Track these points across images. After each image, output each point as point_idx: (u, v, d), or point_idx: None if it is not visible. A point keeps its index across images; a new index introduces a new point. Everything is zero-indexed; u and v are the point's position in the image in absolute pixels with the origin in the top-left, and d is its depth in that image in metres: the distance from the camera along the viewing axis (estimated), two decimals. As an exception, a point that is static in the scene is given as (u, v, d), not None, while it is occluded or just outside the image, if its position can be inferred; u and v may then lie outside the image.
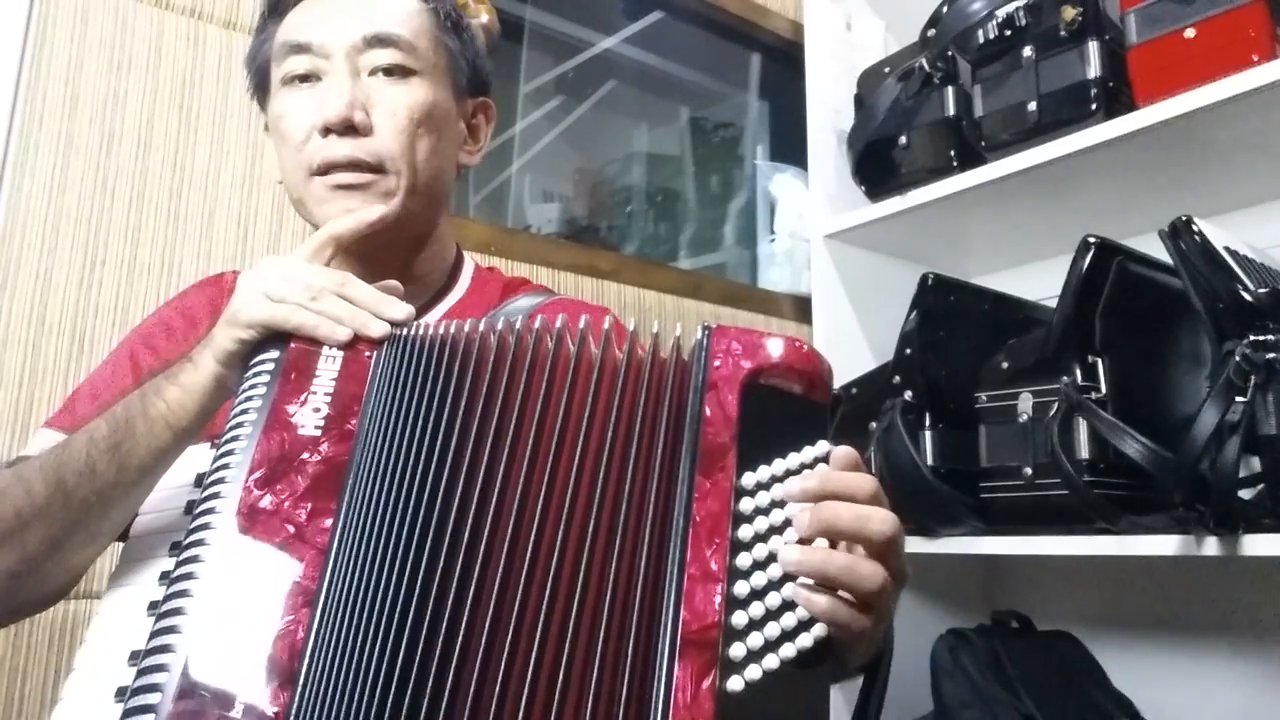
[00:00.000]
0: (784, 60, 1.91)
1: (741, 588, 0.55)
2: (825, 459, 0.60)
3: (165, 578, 0.65)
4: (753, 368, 0.60)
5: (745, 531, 0.57)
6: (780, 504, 0.59)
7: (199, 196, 1.20)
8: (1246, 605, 1.37)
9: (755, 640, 0.54)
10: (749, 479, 0.58)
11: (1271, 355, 0.99)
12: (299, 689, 0.54)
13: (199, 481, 0.70)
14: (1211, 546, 1.04)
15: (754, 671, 0.54)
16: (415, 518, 0.59)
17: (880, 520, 0.58)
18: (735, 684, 0.53)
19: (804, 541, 0.58)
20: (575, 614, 0.56)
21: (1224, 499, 0.99)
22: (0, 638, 1.01)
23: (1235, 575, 1.37)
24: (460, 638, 0.56)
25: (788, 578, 0.56)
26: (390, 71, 0.85)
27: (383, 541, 0.59)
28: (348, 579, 0.58)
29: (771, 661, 0.54)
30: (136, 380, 0.85)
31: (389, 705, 0.55)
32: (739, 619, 0.54)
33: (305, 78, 0.85)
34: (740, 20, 1.85)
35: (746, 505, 0.58)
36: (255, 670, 0.54)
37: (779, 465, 0.59)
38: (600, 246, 1.72)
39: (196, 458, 0.71)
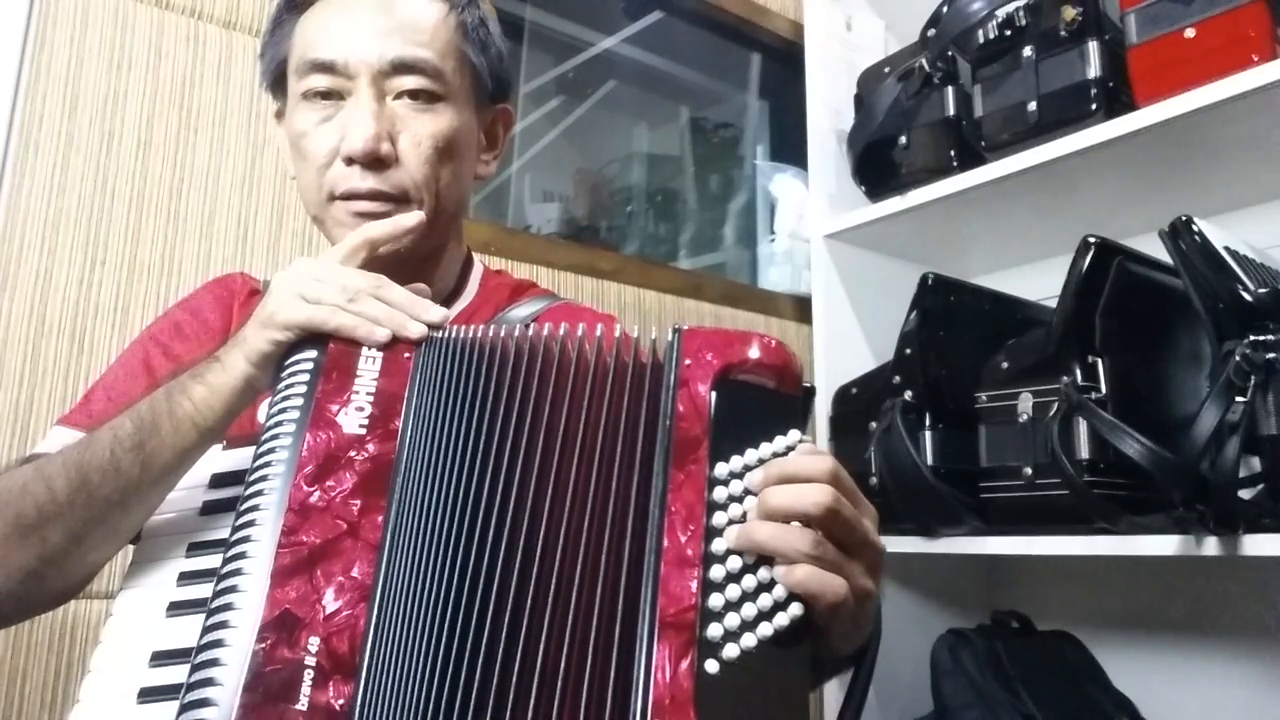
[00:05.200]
0: (784, 60, 1.91)
1: (717, 572, 0.58)
2: (795, 448, 0.62)
3: (186, 578, 0.67)
4: (722, 365, 0.63)
5: (719, 518, 0.59)
6: (754, 493, 0.61)
7: (199, 196, 1.20)
8: (1247, 605, 1.37)
9: (732, 621, 0.56)
10: (722, 469, 0.61)
11: (1271, 355, 0.99)
12: (361, 681, 0.56)
13: (215, 482, 0.71)
14: (1211, 546, 1.04)
15: (731, 651, 0.56)
16: (462, 515, 0.61)
17: (814, 493, 0.59)
18: (713, 665, 0.55)
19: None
20: (574, 605, 0.59)
21: (1224, 499, 0.99)
22: (0, 638, 1.02)
23: (1235, 575, 1.37)
24: (506, 630, 0.58)
25: (762, 560, 0.59)
26: (416, 96, 0.84)
27: (433, 538, 0.60)
28: (402, 574, 0.59)
29: (749, 641, 0.56)
30: (150, 381, 0.85)
31: (446, 696, 0.56)
32: (715, 601, 0.57)
33: (327, 95, 0.84)
34: (740, 20, 1.85)
35: (720, 494, 0.60)
36: (316, 664, 0.56)
37: (751, 455, 0.61)
38: (600, 246, 1.72)
39: (211, 459, 0.72)
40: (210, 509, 0.70)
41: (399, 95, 0.84)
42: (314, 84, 0.84)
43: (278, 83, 0.91)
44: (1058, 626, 1.43)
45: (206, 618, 0.58)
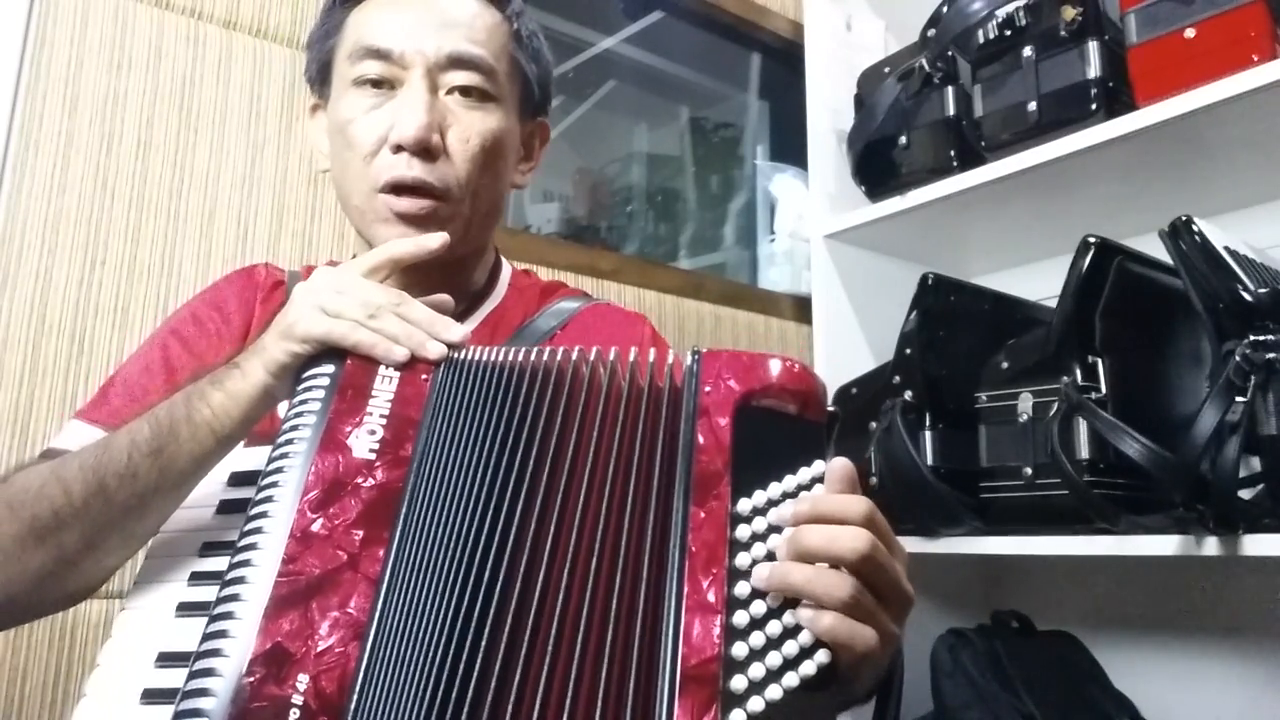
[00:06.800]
0: (784, 60, 1.91)
1: (741, 617, 0.55)
2: (822, 479, 0.59)
3: (197, 578, 0.66)
4: (744, 391, 0.60)
5: (743, 559, 0.56)
6: (778, 529, 0.58)
7: (199, 196, 1.20)
8: (1246, 605, 1.37)
9: (757, 671, 0.53)
10: (745, 505, 0.58)
11: (1271, 355, 0.99)
12: None
13: (234, 480, 0.70)
14: (1211, 546, 1.04)
15: (756, 704, 0.53)
16: (465, 552, 0.59)
17: (851, 538, 0.57)
18: (738, 717, 0.52)
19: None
20: (580, 652, 0.55)
21: (1224, 499, 0.99)
22: (0, 637, 1.01)
23: (1235, 575, 1.37)
24: (502, 678, 0.55)
25: (787, 604, 0.55)
26: (468, 93, 0.84)
27: (433, 575, 0.58)
28: (398, 613, 0.57)
29: (774, 692, 0.53)
30: (168, 373, 0.85)
31: None
32: (739, 650, 0.53)
33: (378, 83, 0.84)
34: (740, 20, 1.85)
35: (743, 532, 0.57)
36: (304, 704, 0.53)
37: (775, 489, 0.58)
38: (600, 246, 1.72)
39: (230, 456, 0.71)
40: (227, 508, 0.69)
41: (451, 90, 0.84)
42: (366, 70, 0.83)
43: (321, 74, 0.90)
44: (1058, 626, 1.43)
45: (201, 642, 0.56)
